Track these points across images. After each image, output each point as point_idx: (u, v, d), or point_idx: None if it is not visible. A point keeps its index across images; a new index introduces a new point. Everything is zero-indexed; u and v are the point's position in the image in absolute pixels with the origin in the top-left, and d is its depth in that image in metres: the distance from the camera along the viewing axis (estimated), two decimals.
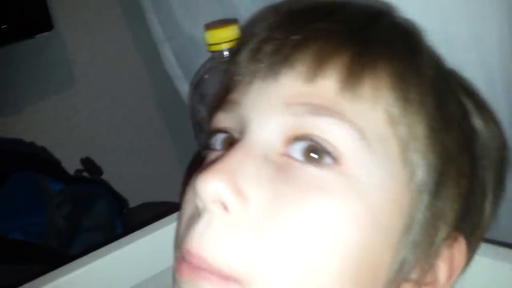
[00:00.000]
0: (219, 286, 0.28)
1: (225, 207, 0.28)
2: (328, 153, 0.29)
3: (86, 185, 0.89)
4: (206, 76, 0.69)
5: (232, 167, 0.29)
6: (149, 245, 0.49)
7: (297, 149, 0.30)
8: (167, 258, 0.42)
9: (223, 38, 0.68)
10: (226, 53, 0.70)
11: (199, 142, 0.73)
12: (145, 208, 0.99)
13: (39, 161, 0.85)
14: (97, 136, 1.02)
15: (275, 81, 0.31)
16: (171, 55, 0.86)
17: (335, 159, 0.29)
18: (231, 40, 0.69)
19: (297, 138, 0.30)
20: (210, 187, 0.28)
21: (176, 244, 0.33)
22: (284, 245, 0.28)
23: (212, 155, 0.36)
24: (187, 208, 0.33)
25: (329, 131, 0.29)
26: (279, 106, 0.31)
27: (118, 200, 0.93)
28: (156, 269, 0.49)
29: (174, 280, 0.31)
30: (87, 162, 0.94)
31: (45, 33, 0.88)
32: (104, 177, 0.98)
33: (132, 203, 0.99)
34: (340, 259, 0.28)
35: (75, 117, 0.99)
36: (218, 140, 0.35)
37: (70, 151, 0.97)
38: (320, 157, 0.29)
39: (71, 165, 0.96)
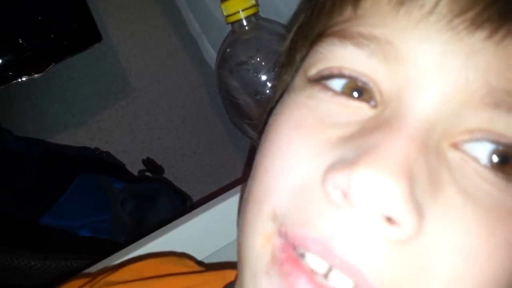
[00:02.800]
0: None
1: (390, 221, 0.21)
2: None
3: (149, 184, 0.94)
4: (228, 50, 0.70)
5: (409, 165, 0.21)
6: (216, 217, 0.50)
7: (483, 149, 0.22)
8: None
9: (240, 6, 0.68)
10: (245, 22, 0.70)
11: (231, 118, 0.73)
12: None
13: (103, 163, 0.92)
14: (157, 139, 1.07)
15: (489, 39, 0.22)
16: (208, 46, 0.89)
17: None
18: (248, 8, 0.69)
19: (489, 135, 0.22)
20: (381, 194, 0.20)
21: (262, 215, 0.25)
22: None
23: (323, 95, 0.26)
24: (293, 172, 0.24)
25: None
26: (478, 85, 0.22)
27: (181, 196, 0.97)
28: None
29: (257, 272, 0.24)
30: (148, 162, 0.99)
31: (96, 45, 0.95)
32: (168, 177, 1.02)
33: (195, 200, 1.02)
34: None
35: (135, 123, 1.05)
36: (336, 82, 0.26)
37: (134, 155, 1.03)
38: (508, 167, 0.22)
39: (136, 168, 1.01)
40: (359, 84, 0.25)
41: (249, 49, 0.67)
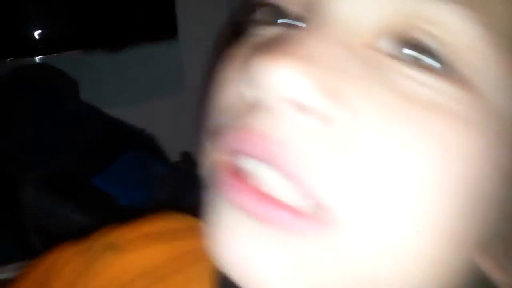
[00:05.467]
0: (300, 228, 0.20)
1: (303, 109, 0.19)
2: (436, 54, 0.20)
3: (186, 172, 1.00)
4: None
5: (313, 52, 0.20)
6: None
7: (390, 42, 0.21)
8: None
9: None
10: None
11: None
12: None
13: (150, 145, 0.97)
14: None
15: None
16: None
17: (445, 64, 0.20)
18: None
19: (394, 27, 0.21)
20: (282, 75, 0.19)
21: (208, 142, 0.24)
22: (392, 176, 0.20)
23: (258, 32, 0.25)
24: (224, 94, 0.24)
25: (443, 24, 0.20)
26: None
27: None
28: None
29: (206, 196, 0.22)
30: (186, 155, 1.05)
31: (169, 40, 1.02)
32: None
33: None
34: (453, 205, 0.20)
35: (182, 116, 1.12)
36: (261, 13, 0.26)
37: (174, 144, 1.09)
38: (422, 57, 0.20)
39: (172, 157, 1.07)
40: (276, 8, 0.24)
41: None
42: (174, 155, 1.07)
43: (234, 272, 0.21)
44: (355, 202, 0.20)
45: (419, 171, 0.20)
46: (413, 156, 0.20)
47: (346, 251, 0.20)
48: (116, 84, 1.00)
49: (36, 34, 0.96)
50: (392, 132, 0.20)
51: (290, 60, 0.19)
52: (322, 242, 0.20)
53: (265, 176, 0.21)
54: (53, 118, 0.83)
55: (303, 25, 0.23)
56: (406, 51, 0.21)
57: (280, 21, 0.24)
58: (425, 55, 0.20)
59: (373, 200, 0.20)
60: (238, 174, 0.21)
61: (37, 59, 1.00)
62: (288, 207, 0.20)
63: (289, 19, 0.24)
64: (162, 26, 1.02)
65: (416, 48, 0.21)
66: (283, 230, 0.20)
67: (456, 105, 0.20)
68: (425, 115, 0.20)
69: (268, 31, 0.24)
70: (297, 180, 0.20)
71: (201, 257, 0.31)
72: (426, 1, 0.20)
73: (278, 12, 0.24)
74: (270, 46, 0.20)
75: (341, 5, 0.21)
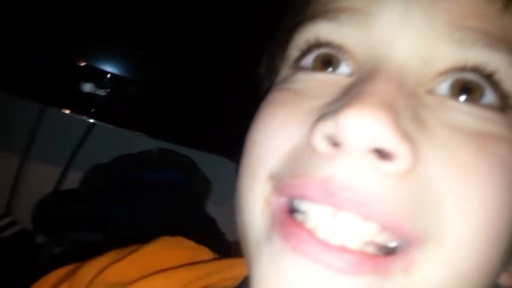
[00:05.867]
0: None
1: (383, 156, 0.22)
2: (490, 92, 0.24)
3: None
4: None
5: (391, 101, 0.22)
6: None
7: (449, 86, 0.25)
8: None
9: None
10: None
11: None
12: None
13: None
14: None
15: None
16: None
17: (500, 100, 0.24)
18: None
19: (452, 73, 0.24)
20: (370, 127, 0.21)
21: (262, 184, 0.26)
22: (469, 203, 0.23)
23: (300, 76, 0.28)
24: (277, 139, 0.26)
25: (496, 68, 0.24)
26: (442, 27, 0.24)
27: None
28: None
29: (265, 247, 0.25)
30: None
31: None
32: None
33: None
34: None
35: None
36: (310, 56, 0.28)
37: None
38: (477, 96, 0.24)
39: None
40: (334, 52, 0.26)
41: None
42: None
43: None
44: (441, 236, 0.22)
45: (492, 195, 0.23)
46: (486, 182, 0.23)
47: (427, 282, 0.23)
48: None
49: None
50: (463, 166, 0.23)
51: (378, 112, 0.21)
52: (407, 278, 0.22)
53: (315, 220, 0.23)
54: None
55: (351, 69, 0.26)
56: (463, 93, 0.24)
57: (331, 69, 0.27)
58: (479, 93, 0.24)
59: (457, 231, 0.23)
60: (297, 222, 0.23)
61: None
62: (355, 252, 0.22)
63: (341, 65, 0.26)
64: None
65: (472, 90, 0.24)
66: (368, 273, 0.22)
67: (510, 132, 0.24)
68: (488, 145, 0.23)
69: (319, 76, 0.27)
70: (387, 224, 0.22)
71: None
72: (481, 51, 0.24)
73: (330, 59, 0.27)
74: (353, 97, 0.22)
75: (402, 56, 0.24)
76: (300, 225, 0.23)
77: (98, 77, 0.75)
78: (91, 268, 0.38)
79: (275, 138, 0.26)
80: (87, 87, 0.75)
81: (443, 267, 0.22)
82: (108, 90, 0.76)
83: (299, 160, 0.24)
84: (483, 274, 0.24)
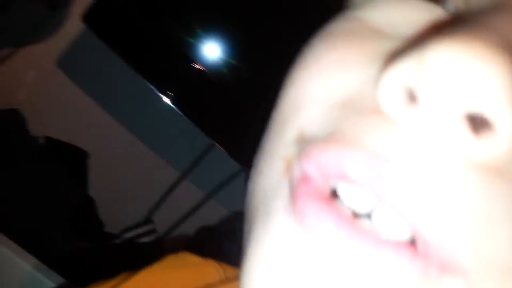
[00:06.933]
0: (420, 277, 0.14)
1: (477, 129, 0.14)
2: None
3: None
4: None
5: None
6: None
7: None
8: None
9: None
10: None
11: None
12: None
13: None
14: None
15: None
16: None
17: None
18: None
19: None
20: (480, 76, 0.13)
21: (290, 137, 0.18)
22: None
23: (381, 3, 0.19)
24: (336, 81, 0.17)
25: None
26: None
27: None
28: None
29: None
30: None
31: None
32: None
33: None
34: None
35: None
36: None
37: None
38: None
39: None
40: None
41: None
42: None
43: None
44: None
45: None
46: None
47: None
48: None
49: None
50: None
51: (502, 57, 0.13)
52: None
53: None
54: None
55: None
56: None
57: None
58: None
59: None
60: (323, 197, 0.15)
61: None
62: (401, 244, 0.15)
63: None
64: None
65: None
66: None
67: None
68: None
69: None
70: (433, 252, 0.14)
71: None
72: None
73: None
74: (459, 30, 0.14)
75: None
76: (324, 200, 0.15)
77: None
78: None
79: (324, 79, 0.18)
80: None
81: None
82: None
83: (350, 118, 0.16)
84: None
